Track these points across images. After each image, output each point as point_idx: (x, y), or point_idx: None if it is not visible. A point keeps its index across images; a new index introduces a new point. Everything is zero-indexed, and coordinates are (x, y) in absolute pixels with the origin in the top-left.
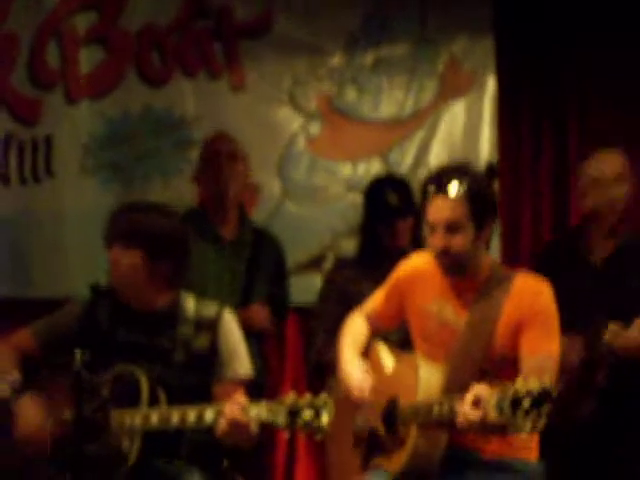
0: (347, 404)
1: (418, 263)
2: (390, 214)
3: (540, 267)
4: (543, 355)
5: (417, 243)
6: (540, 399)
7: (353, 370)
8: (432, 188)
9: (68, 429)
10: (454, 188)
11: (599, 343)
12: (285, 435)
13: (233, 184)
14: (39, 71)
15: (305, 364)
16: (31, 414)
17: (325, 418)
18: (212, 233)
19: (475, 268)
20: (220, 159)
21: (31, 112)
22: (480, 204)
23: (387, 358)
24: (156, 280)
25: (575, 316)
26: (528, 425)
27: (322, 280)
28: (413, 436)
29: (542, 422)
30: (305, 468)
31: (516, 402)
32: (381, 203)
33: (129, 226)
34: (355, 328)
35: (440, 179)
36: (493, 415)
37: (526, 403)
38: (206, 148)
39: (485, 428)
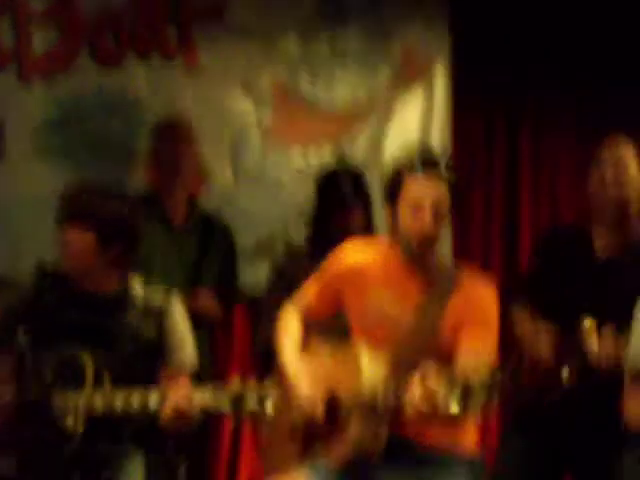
0: (285, 396)
1: (354, 252)
2: (344, 203)
3: (543, 252)
4: (482, 354)
5: (369, 232)
6: (491, 384)
7: (302, 385)
8: (414, 169)
9: (10, 411)
10: (443, 171)
11: (573, 339)
12: (230, 422)
13: (183, 169)
14: None
15: (252, 353)
16: None
17: (269, 406)
18: (162, 217)
19: (429, 259)
20: (171, 144)
21: None
22: (452, 192)
23: (325, 350)
24: (107, 263)
25: (563, 304)
26: (478, 409)
27: (271, 269)
28: (355, 425)
29: (492, 406)
30: (250, 452)
31: (466, 389)
32: (335, 192)
33: (82, 208)
34: (290, 326)
35: (424, 161)
36: (444, 407)
37: (476, 385)
38: (157, 132)
39: (433, 414)
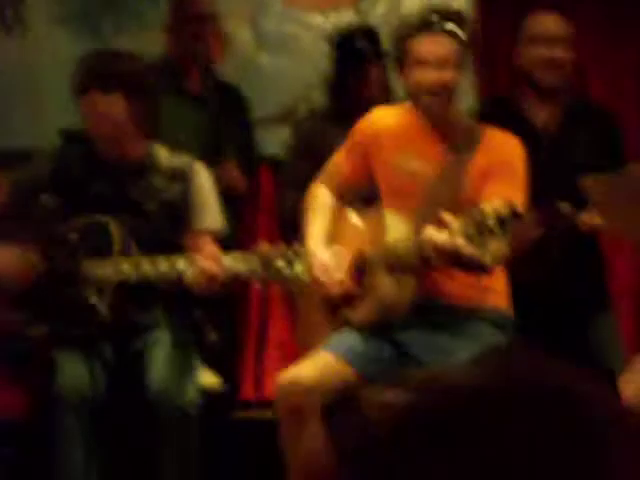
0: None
1: (379, 117)
2: (361, 60)
3: None
4: (506, 197)
5: (386, 93)
6: (506, 217)
7: (318, 254)
8: (421, 25)
9: (39, 276)
10: (446, 26)
11: (557, 218)
12: (258, 286)
13: (201, 45)
14: None
15: (277, 220)
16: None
17: (299, 267)
18: (178, 87)
19: (450, 115)
20: (188, 21)
21: None
22: (464, 46)
23: (356, 220)
24: (134, 124)
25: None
26: (494, 246)
27: (291, 133)
28: (380, 282)
29: (506, 246)
30: (279, 324)
31: (482, 222)
32: (351, 50)
33: (105, 70)
34: (319, 202)
35: (428, 18)
36: (461, 241)
37: (491, 221)
38: (175, 7)
39: (452, 257)
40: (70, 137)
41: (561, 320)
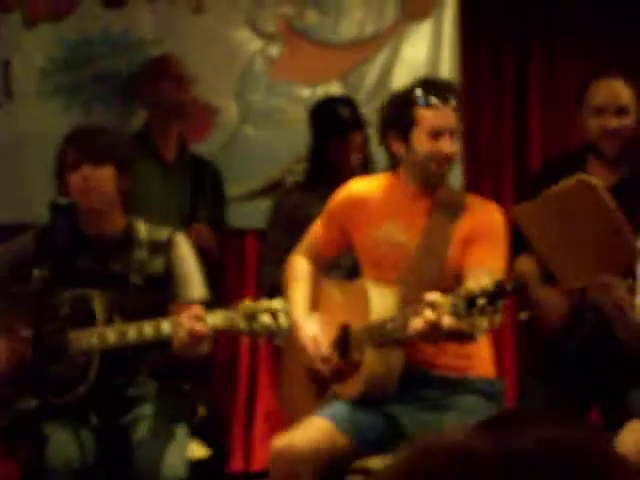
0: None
1: (357, 188)
2: (341, 127)
3: (535, 189)
4: (489, 269)
5: (367, 161)
6: (495, 294)
7: (305, 326)
8: (432, 96)
9: (27, 349)
10: (454, 99)
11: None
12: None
13: (171, 106)
14: None
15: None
16: None
17: (282, 320)
18: (154, 154)
19: (439, 185)
20: (158, 81)
21: None
22: (460, 119)
23: (336, 291)
24: (119, 198)
25: None
26: (485, 323)
27: (272, 204)
28: (368, 358)
29: (498, 318)
30: (267, 394)
31: (471, 301)
32: (332, 117)
33: (96, 144)
34: (299, 272)
35: (438, 89)
36: (448, 320)
37: (481, 301)
38: (145, 70)
39: (440, 334)
40: (59, 210)
41: (596, 390)
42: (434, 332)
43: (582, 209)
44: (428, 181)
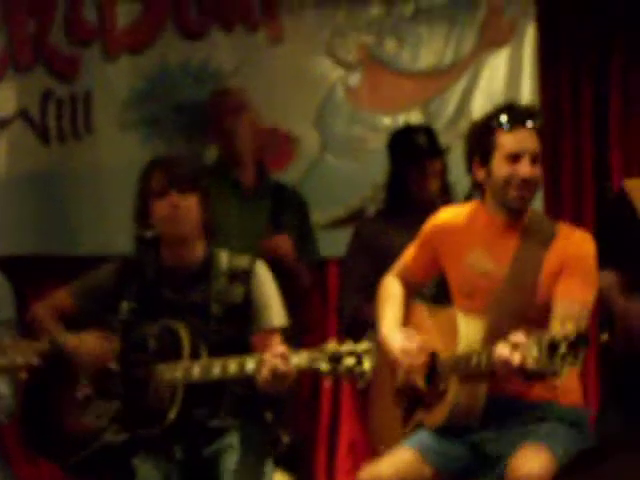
0: (387, 364)
1: (449, 216)
2: (420, 155)
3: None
4: (578, 302)
5: (446, 189)
6: (576, 343)
7: (395, 338)
8: (510, 120)
9: (113, 382)
10: (534, 123)
11: None
12: (328, 382)
13: (241, 136)
14: (76, 27)
15: (339, 322)
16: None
17: (367, 364)
18: (232, 183)
19: (524, 213)
20: (223, 115)
21: (69, 68)
22: (542, 143)
23: (426, 315)
24: (202, 227)
25: None
26: (565, 370)
27: (351, 234)
28: (453, 388)
29: (578, 365)
30: (350, 418)
31: (553, 347)
32: (410, 145)
33: (182, 172)
34: (390, 292)
35: (517, 113)
36: (531, 361)
37: (563, 348)
38: (209, 106)
39: (523, 374)
40: (145, 242)
41: None
42: (516, 373)
43: None
44: (510, 207)
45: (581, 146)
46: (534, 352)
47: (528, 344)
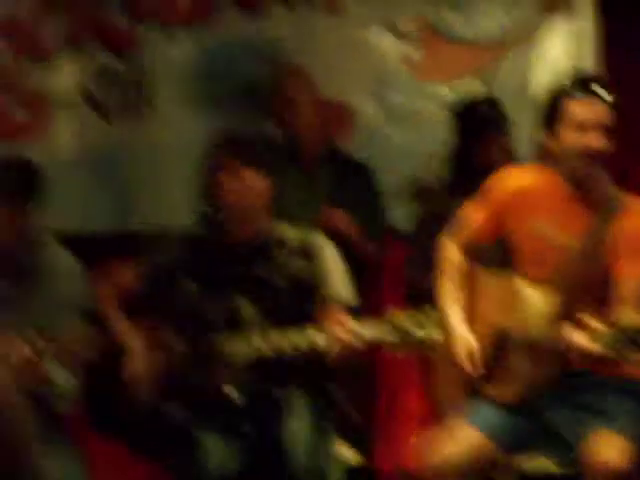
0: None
1: (521, 180)
2: (484, 128)
3: None
4: None
5: (510, 161)
6: None
7: (457, 327)
8: (582, 88)
9: (180, 360)
10: (607, 94)
11: None
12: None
13: (304, 110)
14: (134, 3)
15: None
16: (139, 351)
17: (430, 329)
18: (295, 159)
19: (595, 182)
20: (284, 89)
21: (127, 45)
22: (613, 114)
23: (493, 283)
24: (267, 201)
25: None
26: (638, 357)
27: (419, 207)
28: (520, 362)
29: None
30: (409, 393)
31: (634, 340)
32: (474, 118)
33: (252, 148)
34: (451, 264)
35: (588, 84)
36: (605, 350)
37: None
38: (270, 81)
39: (592, 360)
40: (209, 219)
41: None
42: (587, 358)
43: None
44: (579, 178)
45: None
46: (613, 340)
47: (607, 331)
